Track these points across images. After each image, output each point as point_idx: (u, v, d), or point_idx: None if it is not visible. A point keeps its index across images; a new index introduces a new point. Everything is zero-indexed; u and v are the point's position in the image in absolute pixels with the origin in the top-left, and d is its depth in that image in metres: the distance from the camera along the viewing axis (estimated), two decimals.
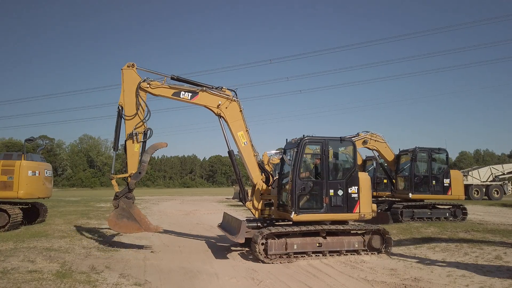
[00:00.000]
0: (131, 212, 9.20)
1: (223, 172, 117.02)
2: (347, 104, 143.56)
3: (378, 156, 16.52)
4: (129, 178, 9.26)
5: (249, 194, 10.13)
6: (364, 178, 9.31)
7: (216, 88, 9.86)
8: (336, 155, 9.64)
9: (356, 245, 8.91)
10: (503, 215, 18.39)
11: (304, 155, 9.25)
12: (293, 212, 8.65)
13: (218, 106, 9.75)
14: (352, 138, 10.01)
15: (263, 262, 8.22)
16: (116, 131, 9.45)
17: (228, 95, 9.88)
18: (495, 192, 30.09)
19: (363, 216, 8.98)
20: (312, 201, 9.00)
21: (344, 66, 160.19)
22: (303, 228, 8.66)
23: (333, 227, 8.88)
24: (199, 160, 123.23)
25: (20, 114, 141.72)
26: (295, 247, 8.50)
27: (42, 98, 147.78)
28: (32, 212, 13.76)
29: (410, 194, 15.28)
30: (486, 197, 29.94)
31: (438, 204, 16.05)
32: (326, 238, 8.79)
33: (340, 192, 8.91)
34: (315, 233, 8.81)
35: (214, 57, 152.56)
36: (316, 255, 8.67)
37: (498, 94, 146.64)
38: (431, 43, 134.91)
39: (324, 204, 8.85)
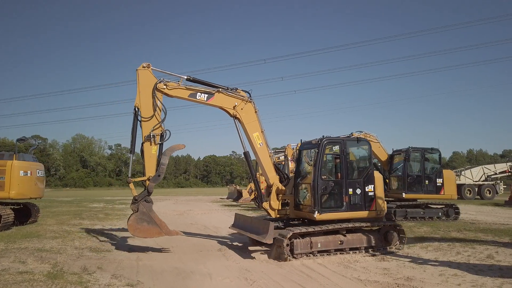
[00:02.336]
0: (151, 216, 8.88)
1: (217, 172, 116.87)
2: (342, 104, 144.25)
3: None
4: (147, 181, 8.94)
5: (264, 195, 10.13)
6: (378, 176, 9.65)
7: (231, 89, 9.73)
8: (354, 155, 9.92)
9: (374, 242, 9.19)
10: (495, 215, 18.57)
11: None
12: (316, 212, 8.79)
13: (234, 108, 9.64)
14: None
15: (288, 260, 8.29)
16: (132, 134, 9.10)
17: (243, 96, 9.80)
18: (488, 192, 30.39)
19: (379, 213, 9.35)
20: (333, 200, 9.23)
21: (339, 66, 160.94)
22: (324, 227, 8.82)
23: (352, 225, 9.12)
24: (193, 160, 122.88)
25: (13, 114, 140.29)
26: (319, 245, 8.68)
27: (35, 97, 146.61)
28: (24, 213, 13.65)
29: (403, 194, 15.42)
30: (478, 197, 30.22)
31: (431, 204, 16.18)
32: (346, 236, 9.03)
33: (358, 191, 9.22)
34: (336, 231, 9.01)
35: (214, 57, 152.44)
36: (339, 253, 8.87)
37: (492, 94, 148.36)
38: (428, 43, 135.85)
39: (344, 203, 9.10)
